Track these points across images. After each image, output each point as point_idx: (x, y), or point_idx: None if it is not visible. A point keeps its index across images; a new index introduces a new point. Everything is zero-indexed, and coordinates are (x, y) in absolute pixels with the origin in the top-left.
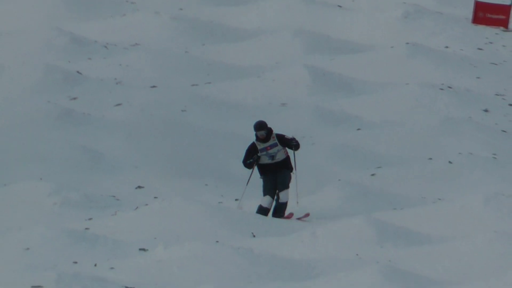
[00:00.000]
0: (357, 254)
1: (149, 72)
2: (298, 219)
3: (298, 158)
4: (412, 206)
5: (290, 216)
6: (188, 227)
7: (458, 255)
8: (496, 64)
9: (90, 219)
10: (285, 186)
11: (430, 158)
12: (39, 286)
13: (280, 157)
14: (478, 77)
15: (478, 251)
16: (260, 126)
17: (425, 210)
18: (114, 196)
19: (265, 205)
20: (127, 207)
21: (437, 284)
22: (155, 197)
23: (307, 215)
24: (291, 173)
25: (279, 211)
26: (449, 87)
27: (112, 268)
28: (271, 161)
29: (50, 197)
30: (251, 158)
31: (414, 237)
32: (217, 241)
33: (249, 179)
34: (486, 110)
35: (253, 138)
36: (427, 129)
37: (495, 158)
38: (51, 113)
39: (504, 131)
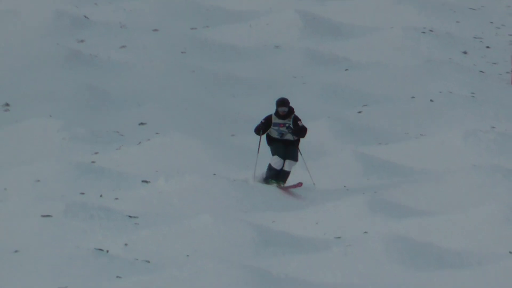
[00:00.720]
0: (344, 186)
1: (151, 17)
2: (289, 187)
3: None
4: (396, 141)
5: (299, 185)
6: (187, 161)
7: (439, 186)
8: (474, 9)
9: (96, 153)
10: (294, 158)
11: (413, 97)
12: (48, 215)
13: (288, 137)
14: (458, 21)
15: (457, 183)
16: (283, 102)
17: (408, 145)
18: (118, 132)
19: (274, 165)
20: (130, 142)
21: (419, 214)
22: (156, 133)
23: (299, 184)
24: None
25: (282, 177)
26: (431, 31)
27: (116, 198)
28: (279, 138)
29: (59, 132)
30: (262, 126)
31: (397, 170)
32: (214, 174)
33: (258, 148)
34: (465, 52)
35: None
36: (410, 70)
37: (473, 96)
38: (60, 55)
39: (482, 72)
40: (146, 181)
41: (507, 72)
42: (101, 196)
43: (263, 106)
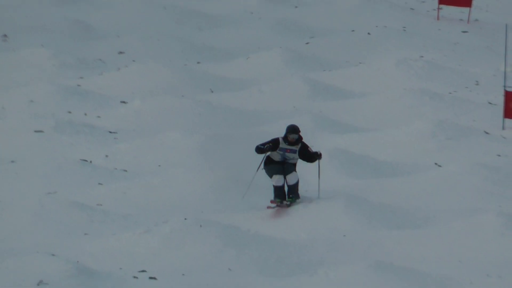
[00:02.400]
0: (294, 106)
1: None
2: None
3: (249, 30)
4: (338, 68)
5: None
6: (159, 85)
7: (375, 107)
8: None
9: (81, 77)
10: (292, 170)
11: (353, 30)
12: (40, 131)
13: (291, 162)
14: None
15: (391, 104)
16: (294, 130)
17: (349, 71)
18: (100, 60)
19: (277, 183)
20: (111, 68)
21: (358, 130)
22: (133, 61)
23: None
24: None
25: (290, 192)
26: None
27: (99, 116)
28: (281, 160)
29: (50, 60)
30: (268, 148)
31: (339, 93)
32: (182, 96)
33: (259, 166)
34: None
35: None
36: (351, 7)
37: (405, 30)
38: None
39: (412, 9)
40: (124, 102)
41: (434, 9)
42: (85, 114)
43: (225, 38)
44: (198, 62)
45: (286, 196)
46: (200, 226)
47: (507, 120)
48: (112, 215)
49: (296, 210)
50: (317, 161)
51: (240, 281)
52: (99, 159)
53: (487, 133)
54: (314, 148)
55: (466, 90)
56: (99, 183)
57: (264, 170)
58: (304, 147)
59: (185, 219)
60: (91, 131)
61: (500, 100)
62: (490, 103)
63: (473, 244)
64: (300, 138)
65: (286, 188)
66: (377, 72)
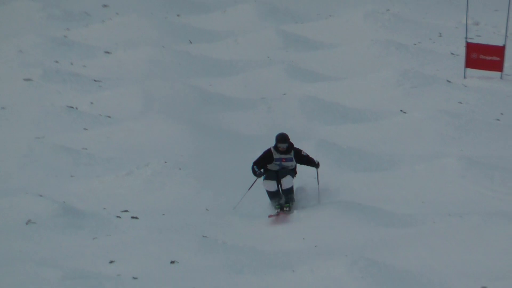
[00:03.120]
0: (268, 57)
1: None
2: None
3: None
4: (309, 21)
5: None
6: (141, 36)
7: (344, 57)
8: None
9: (68, 29)
10: (286, 174)
11: None
12: (29, 79)
13: (288, 168)
14: None
15: (358, 54)
16: (283, 139)
17: (319, 23)
18: (86, 12)
19: (270, 188)
20: (95, 21)
21: (328, 79)
22: (117, 13)
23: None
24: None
25: (286, 197)
26: None
27: (84, 66)
28: (278, 168)
29: (38, 12)
30: (262, 165)
31: (311, 44)
32: (163, 46)
33: (251, 186)
34: None
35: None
36: None
37: None
38: None
39: None
40: (108, 52)
41: None
42: (71, 64)
43: None
44: (178, 15)
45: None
46: (180, 169)
47: (468, 70)
48: (96, 158)
49: None
50: (316, 169)
51: (216, 220)
52: (84, 106)
53: (449, 81)
54: (289, 100)
55: (430, 42)
56: (84, 128)
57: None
58: (298, 153)
59: (165, 162)
60: (77, 80)
61: (461, 51)
62: (452, 53)
63: (435, 185)
64: (291, 145)
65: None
66: (346, 24)
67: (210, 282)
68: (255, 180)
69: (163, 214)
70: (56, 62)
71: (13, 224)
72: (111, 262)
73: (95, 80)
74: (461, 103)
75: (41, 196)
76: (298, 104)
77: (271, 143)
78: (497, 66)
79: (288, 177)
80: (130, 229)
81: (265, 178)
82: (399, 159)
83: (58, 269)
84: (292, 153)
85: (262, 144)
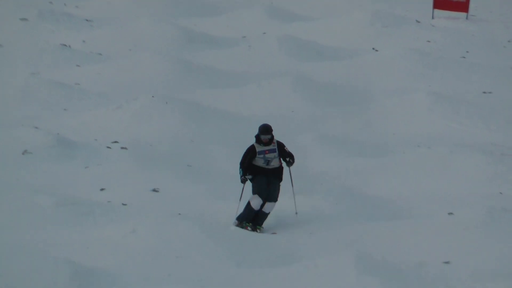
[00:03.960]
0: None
1: None
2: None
3: None
4: None
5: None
6: None
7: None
8: None
9: None
10: (274, 198)
11: None
12: (25, 19)
13: (274, 164)
14: None
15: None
16: (266, 130)
17: None
18: None
19: (253, 205)
20: None
21: (305, 19)
22: None
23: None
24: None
25: (261, 218)
26: None
27: (77, 6)
28: (265, 166)
29: None
30: (248, 163)
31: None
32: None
33: (241, 195)
34: None
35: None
36: None
37: None
38: None
39: None
40: None
41: None
42: (65, 4)
43: None
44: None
45: (255, 222)
46: (166, 103)
47: (436, 10)
48: (88, 93)
49: (252, 90)
50: (289, 169)
51: (201, 149)
52: (77, 44)
53: (418, 21)
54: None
55: None
56: (77, 65)
57: (249, 179)
58: (282, 146)
59: (153, 96)
60: (70, 19)
61: None
62: None
63: (405, 119)
64: (273, 136)
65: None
66: None
67: (195, 207)
68: (243, 187)
69: (150, 145)
70: (50, 3)
71: (10, 154)
72: (101, 189)
73: (87, 20)
74: (429, 41)
75: (36, 128)
76: (277, 43)
77: (251, 79)
78: (464, 7)
79: (273, 204)
80: (120, 159)
81: (255, 189)
82: (372, 94)
83: (52, 196)
84: (276, 144)
85: (243, 79)
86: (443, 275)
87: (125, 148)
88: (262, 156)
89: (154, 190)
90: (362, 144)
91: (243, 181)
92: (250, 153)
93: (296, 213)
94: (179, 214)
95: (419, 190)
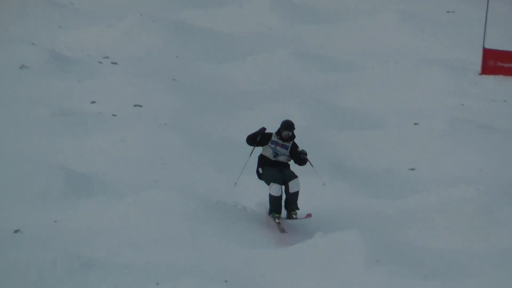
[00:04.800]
0: None
1: None
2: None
3: None
4: None
5: (309, 216)
6: None
7: None
8: None
9: None
10: (293, 175)
11: None
12: None
13: (282, 159)
14: None
15: None
16: (289, 126)
17: None
18: None
19: (274, 193)
20: None
21: None
22: None
23: (308, 215)
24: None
25: (292, 202)
26: None
27: None
28: (272, 158)
29: None
30: (259, 142)
31: None
32: None
33: (251, 152)
34: None
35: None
36: None
37: None
38: None
39: None
40: None
41: None
42: None
43: None
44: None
45: (284, 207)
46: (153, 21)
47: None
48: (81, 11)
49: (233, 9)
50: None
51: (185, 65)
52: None
53: None
54: None
55: None
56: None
57: (258, 172)
58: (295, 146)
59: (141, 15)
60: None
61: None
62: None
63: (375, 36)
64: (294, 136)
65: (283, 195)
66: None
67: (179, 118)
68: (254, 147)
69: (139, 60)
70: None
71: (8, 69)
72: (93, 102)
73: None
74: None
75: (33, 44)
76: (270, 3)
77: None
78: None
79: (296, 180)
80: (110, 73)
81: (269, 178)
82: (345, 13)
83: (48, 107)
84: (291, 143)
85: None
86: (408, 180)
87: (115, 63)
88: (274, 146)
89: (137, 105)
90: (334, 60)
91: (255, 135)
92: (263, 135)
93: (324, 184)
94: (165, 124)
95: (388, 102)
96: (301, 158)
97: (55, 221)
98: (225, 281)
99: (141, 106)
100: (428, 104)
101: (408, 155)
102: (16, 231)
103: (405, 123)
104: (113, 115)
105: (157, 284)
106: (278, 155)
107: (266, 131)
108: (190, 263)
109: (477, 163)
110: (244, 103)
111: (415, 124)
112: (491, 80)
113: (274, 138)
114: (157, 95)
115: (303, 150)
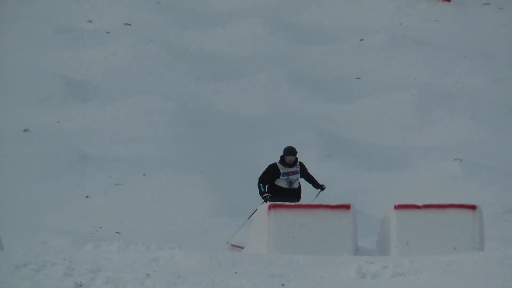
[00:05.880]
0: None
1: None
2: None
3: None
4: None
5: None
6: None
7: None
8: None
9: None
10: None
11: None
12: None
13: (296, 185)
14: None
15: None
16: (291, 151)
17: None
18: None
19: None
20: None
21: None
22: None
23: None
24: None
25: None
26: None
27: None
28: (288, 187)
29: None
30: (267, 181)
31: None
32: None
33: (252, 215)
34: None
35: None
36: None
37: None
38: None
39: None
40: None
41: None
42: None
43: None
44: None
45: None
46: None
47: None
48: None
49: None
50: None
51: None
52: None
53: None
54: None
55: None
56: None
57: (265, 197)
58: (303, 168)
59: None
60: None
61: None
62: None
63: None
64: (297, 159)
65: None
66: None
67: (163, 34)
68: (254, 211)
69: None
70: None
71: None
72: (89, 21)
73: None
74: None
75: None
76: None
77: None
78: None
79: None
80: None
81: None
82: None
83: (50, 24)
84: (298, 165)
85: None
86: (355, 87)
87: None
88: (286, 177)
89: (127, 24)
90: None
91: (266, 199)
92: (272, 172)
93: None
94: (150, 40)
95: (338, 21)
96: (319, 185)
97: (58, 122)
98: (201, 172)
99: (130, 24)
100: (373, 22)
101: (355, 66)
102: (25, 130)
103: (352, 39)
104: (106, 32)
105: (144, 175)
106: (292, 183)
107: (270, 164)
108: (172, 157)
109: (413, 72)
110: (217, 21)
111: (361, 40)
112: (425, 3)
113: (282, 170)
114: (144, 14)
115: (323, 185)
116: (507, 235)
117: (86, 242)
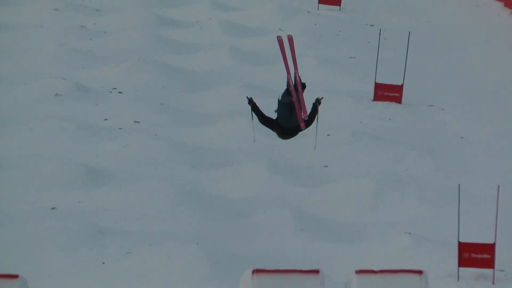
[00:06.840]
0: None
1: None
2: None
3: None
4: None
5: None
6: None
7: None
8: None
9: None
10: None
11: None
12: None
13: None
14: None
15: None
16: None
17: None
18: None
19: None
20: None
21: (236, 10)
22: None
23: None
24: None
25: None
26: None
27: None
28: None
29: None
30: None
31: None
32: None
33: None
34: None
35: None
36: None
37: None
38: None
39: None
40: None
41: None
42: None
43: None
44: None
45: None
46: (147, 63)
47: (320, 5)
48: (97, 56)
49: (200, 56)
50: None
51: (169, 94)
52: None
53: (308, 12)
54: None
55: None
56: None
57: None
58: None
59: (139, 59)
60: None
61: None
62: None
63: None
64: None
65: None
66: None
67: (165, 132)
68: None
69: (137, 90)
70: None
71: (45, 96)
72: (105, 119)
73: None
74: (316, 25)
75: (63, 79)
76: (219, 25)
77: (200, 48)
78: (338, 2)
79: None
80: (117, 99)
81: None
82: (274, 60)
83: (73, 123)
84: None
85: (195, 48)
86: (323, 174)
87: (121, 92)
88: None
89: (136, 121)
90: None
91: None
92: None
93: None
94: (155, 135)
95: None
96: (314, 104)
97: (80, 202)
98: (197, 243)
99: (139, 122)
100: (337, 121)
101: (323, 156)
102: (52, 208)
103: (321, 134)
104: (119, 128)
105: (150, 245)
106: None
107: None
108: (172, 231)
109: (371, 162)
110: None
111: (328, 135)
112: (380, 105)
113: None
114: (150, 114)
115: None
116: None
117: None
